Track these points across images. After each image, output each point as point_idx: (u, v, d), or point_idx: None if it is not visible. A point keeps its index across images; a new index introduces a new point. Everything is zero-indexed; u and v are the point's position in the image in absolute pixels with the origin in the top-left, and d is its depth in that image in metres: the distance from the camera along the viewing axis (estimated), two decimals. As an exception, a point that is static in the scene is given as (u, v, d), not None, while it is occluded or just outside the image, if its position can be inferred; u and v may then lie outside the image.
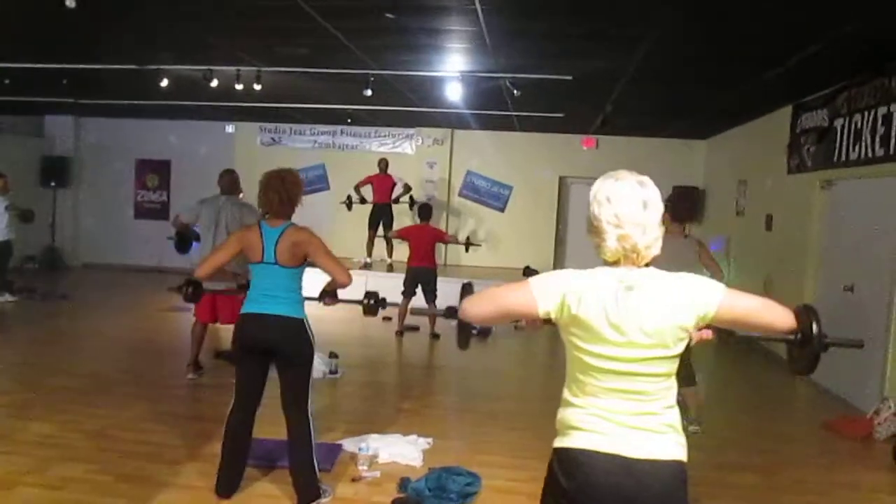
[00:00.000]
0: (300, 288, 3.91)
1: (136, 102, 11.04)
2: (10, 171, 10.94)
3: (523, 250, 12.70)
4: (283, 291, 3.84)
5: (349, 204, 11.82)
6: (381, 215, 11.74)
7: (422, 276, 8.79)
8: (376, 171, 11.78)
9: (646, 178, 2.05)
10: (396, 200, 11.82)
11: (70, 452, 4.54)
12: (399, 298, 8.70)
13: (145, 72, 8.00)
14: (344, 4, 5.40)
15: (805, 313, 2.24)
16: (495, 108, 9.99)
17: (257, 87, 7.98)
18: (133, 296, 11.26)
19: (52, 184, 13.72)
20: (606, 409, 2.02)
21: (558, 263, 12.84)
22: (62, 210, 13.96)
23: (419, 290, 8.81)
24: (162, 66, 7.90)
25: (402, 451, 4.76)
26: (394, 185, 11.78)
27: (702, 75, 7.21)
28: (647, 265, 2.03)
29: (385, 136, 13.60)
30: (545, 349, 8.85)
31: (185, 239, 6.41)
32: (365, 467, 4.48)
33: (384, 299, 4.18)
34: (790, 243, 8.14)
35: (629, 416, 2.00)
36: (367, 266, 11.56)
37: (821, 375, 7.17)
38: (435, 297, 8.82)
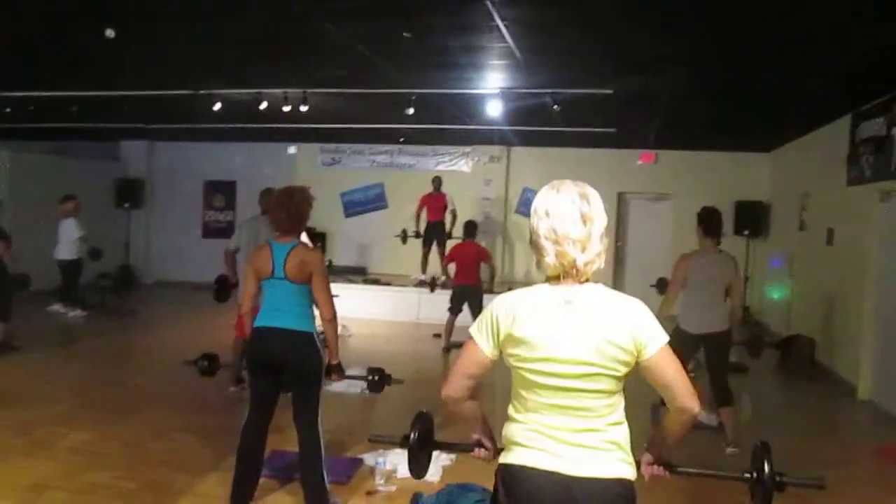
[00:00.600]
0: (309, 304, 3.98)
1: (202, 126, 11.46)
2: (88, 193, 11.66)
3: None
4: (291, 306, 3.92)
5: (404, 237, 11.90)
6: (434, 233, 11.81)
7: (467, 293, 8.79)
8: (430, 189, 11.88)
9: (589, 190, 1.99)
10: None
11: (103, 460, 4.74)
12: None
13: (203, 96, 8.34)
14: (374, 27, 5.52)
15: (759, 451, 2.18)
16: (543, 124, 9.95)
17: (304, 108, 8.19)
18: (196, 312, 11.64)
19: (127, 205, 14.41)
20: (548, 425, 1.98)
21: (617, 283, 12.59)
22: (135, 229, 14.65)
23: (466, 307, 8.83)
24: (214, 91, 8.23)
25: (419, 466, 4.75)
26: (447, 203, 11.83)
27: (753, 87, 7.00)
28: (587, 280, 1.98)
29: (442, 154, 13.71)
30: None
31: (224, 288, 6.62)
32: (381, 481, 4.50)
33: (389, 375, 4.33)
34: (849, 259, 7.75)
35: (571, 432, 1.96)
36: (421, 283, 11.62)
37: (882, 398, 6.80)
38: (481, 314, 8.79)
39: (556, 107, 7.42)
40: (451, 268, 9.25)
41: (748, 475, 2.20)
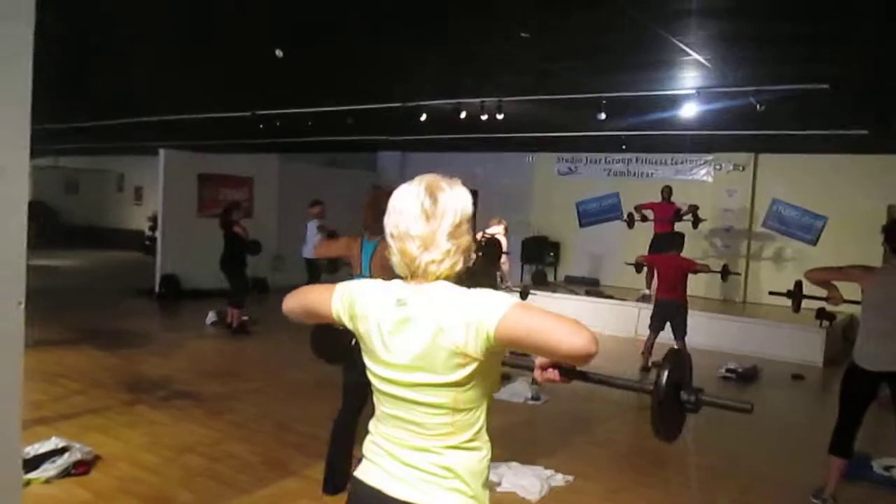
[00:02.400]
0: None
1: (443, 137, 11.99)
2: (347, 200, 12.98)
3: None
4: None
5: (630, 221, 11.41)
6: (662, 245, 11.13)
7: (669, 309, 8.17)
8: (672, 199, 11.23)
9: (445, 185, 1.80)
10: (679, 218, 11.09)
11: (249, 435, 5.26)
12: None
13: (411, 108, 8.83)
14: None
15: (668, 357, 1.78)
16: (777, 127, 8.91)
17: (500, 116, 8.26)
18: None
19: (381, 210, 15.69)
20: (386, 437, 1.83)
21: None
22: (388, 234, 15.88)
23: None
24: (420, 103, 8.66)
25: (524, 482, 4.56)
26: (676, 212, 11.10)
27: None
28: (439, 279, 1.78)
29: (681, 162, 12.89)
30: (803, 404, 7.55)
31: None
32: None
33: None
34: None
35: (404, 449, 1.78)
36: (644, 298, 11.04)
37: None
38: (684, 332, 8.12)
39: (759, 106, 6.61)
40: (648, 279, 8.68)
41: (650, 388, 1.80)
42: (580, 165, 14.08)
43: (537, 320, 1.65)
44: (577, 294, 11.90)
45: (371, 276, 3.99)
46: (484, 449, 1.79)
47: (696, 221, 11.14)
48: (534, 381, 6.74)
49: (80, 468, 4.38)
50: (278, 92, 8.95)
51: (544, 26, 5.30)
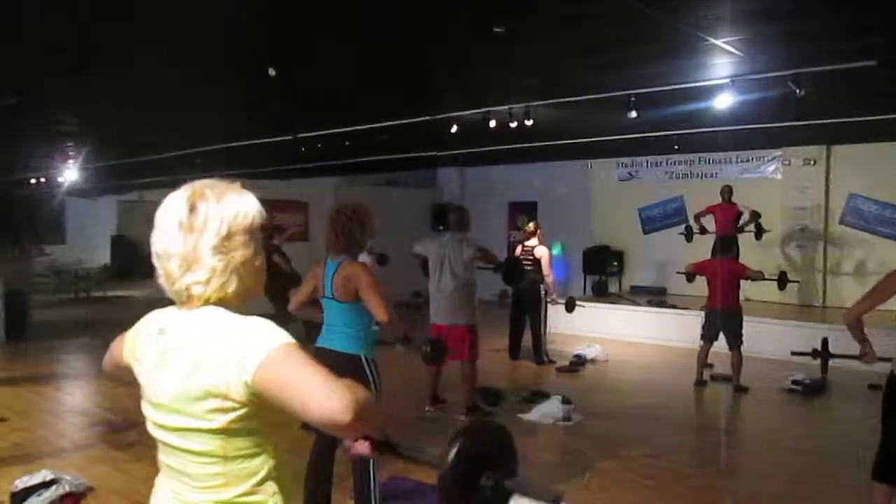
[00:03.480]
0: (360, 324, 3.77)
1: (498, 148, 11.63)
2: (408, 218, 13.11)
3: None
4: (340, 327, 3.80)
5: (688, 235, 10.81)
6: (722, 250, 10.42)
7: (722, 318, 7.57)
8: (733, 200, 10.55)
9: (207, 191, 1.51)
10: (741, 230, 10.40)
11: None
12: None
13: (440, 120, 8.60)
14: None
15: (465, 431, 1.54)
16: (842, 115, 8.17)
17: (528, 122, 7.92)
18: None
19: (441, 228, 15.53)
20: (159, 487, 1.60)
21: None
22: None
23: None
24: (450, 114, 8.41)
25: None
26: (738, 214, 10.40)
27: None
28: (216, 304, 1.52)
29: (747, 160, 12.10)
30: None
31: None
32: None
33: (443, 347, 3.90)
34: None
35: (174, 502, 1.54)
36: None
37: None
38: (738, 342, 7.50)
39: (798, 91, 6.01)
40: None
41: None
42: (641, 170, 13.47)
43: (296, 373, 1.38)
44: (638, 304, 11.32)
45: (333, 298, 3.77)
46: (270, 503, 1.51)
47: (760, 232, 10.43)
48: (566, 400, 6.40)
49: (68, 501, 4.34)
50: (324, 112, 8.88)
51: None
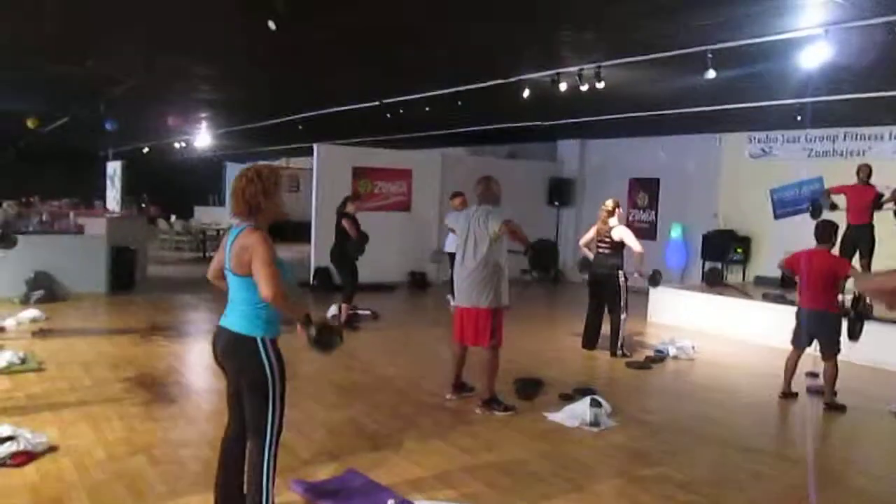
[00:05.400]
0: (258, 300, 3.31)
1: (617, 117, 10.69)
2: (525, 192, 12.96)
3: None
4: (236, 303, 3.38)
5: (814, 210, 9.24)
6: (856, 239, 8.96)
7: (814, 321, 6.37)
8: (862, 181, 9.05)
9: None
10: (880, 207, 8.82)
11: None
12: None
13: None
14: None
15: None
16: None
17: (599, 85, 7.05)
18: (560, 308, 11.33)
19: (557, 203, 14.71)
20: None
21: None
22: (564, 228, 14.83)
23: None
24: (522, 77, 7.73)
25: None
26: (876, 198, 8.83)
27: None
28: None
29: (905, 136, 10.27)
30: None
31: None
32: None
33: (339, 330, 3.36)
34: None
35: None
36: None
37: None
38: (834, 350, 6.28)
39: None
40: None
41: None
42: (775, 146, 11.90)
43: None
44: (749, 297, 9.99)
45: (231, 270, 3.36)
46: None
47: None
48: (595, 403, 5.62)
49: (18, 459, 4.30)
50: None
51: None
